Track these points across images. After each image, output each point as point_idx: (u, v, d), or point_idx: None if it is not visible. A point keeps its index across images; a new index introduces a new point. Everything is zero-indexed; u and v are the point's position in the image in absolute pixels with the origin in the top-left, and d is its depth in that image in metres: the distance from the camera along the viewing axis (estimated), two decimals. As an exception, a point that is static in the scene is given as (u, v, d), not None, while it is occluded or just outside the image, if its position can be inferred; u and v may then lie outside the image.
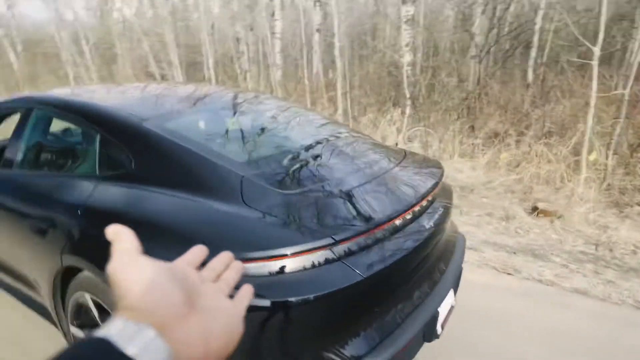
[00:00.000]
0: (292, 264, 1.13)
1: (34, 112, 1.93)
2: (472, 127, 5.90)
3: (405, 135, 5.68)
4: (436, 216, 1.57)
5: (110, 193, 1.48)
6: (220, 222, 1.28)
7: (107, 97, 2.03)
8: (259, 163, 1.58)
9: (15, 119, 2.02)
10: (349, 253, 1.19)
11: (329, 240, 1.15)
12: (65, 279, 1.51)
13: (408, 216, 1.41)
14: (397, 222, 1.35)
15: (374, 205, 1.39)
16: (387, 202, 1.44)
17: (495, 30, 6.43)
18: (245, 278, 0.46)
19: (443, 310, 1.50)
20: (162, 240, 1.27)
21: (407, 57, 7.08)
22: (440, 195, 1.77)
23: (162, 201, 1.39)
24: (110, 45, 12.07)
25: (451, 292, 1.60)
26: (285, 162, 1.61)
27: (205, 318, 0.35)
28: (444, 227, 1.65)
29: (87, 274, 1.41)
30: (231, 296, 0.41)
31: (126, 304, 0.32)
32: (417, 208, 1.47)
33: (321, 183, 1.48)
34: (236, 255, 1.14)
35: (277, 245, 1.15)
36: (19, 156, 1.92)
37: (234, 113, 2.06)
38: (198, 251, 0.43)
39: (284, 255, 1.13)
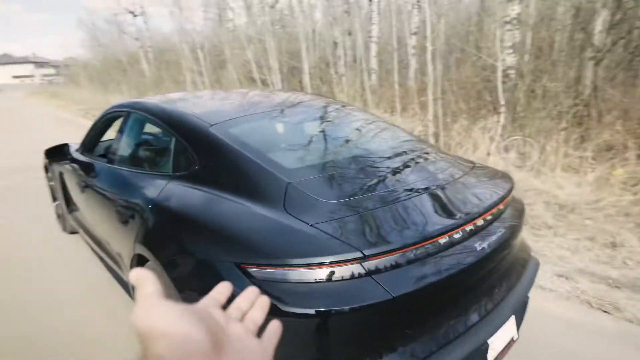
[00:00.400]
0: (314, 275, 1.14)
1: (131, 116, 2.23)
2: (582, 138, 5.21)
3: (499, 145, 5.24)
4: (496, 236, 1.44)
5: (177, 191, 1.64)
6: (256, 226, 1.34)
7: (192, 103, 2.26)
8: (312, 170, 1.61)
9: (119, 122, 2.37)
10: (381, 269, 1.15)
11: (356, 254, 1.13)
12: (139, 263, 1.71)
13: (457, 235, 1.31)
14: (442, 240, 1.27)
15: (419, 220, 1.33)
16: (436, 218, 1.36)
17: (620, 26, 5.58)
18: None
19: (497, 342, 1.36)
20: (203, 239, 1.37)
21: (509, 60, 6.54)
22: (506, 213, 1.61)
23: (212, 202, 1.50)
24: (220, 52, 13.25)
25: (511, 322, 1.45)
26: (339, 170, 1.62)
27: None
28: (505, 249, 1.50)
29: (151, 264, 1.58)
30: (259, 334, 0.41)
31: (151, 352, 0.31)
32: (469, 226, 1.36)
33: (369, 194, 1.45)
34: (254, 260, 1.16)
35: (300, 254, 1.16)
36: (117, 153, 2.24)
37: (305, 120, 2.12)
38: (223, 289, 0.42)
39: (305, 265, 1.14)
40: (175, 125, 1.84)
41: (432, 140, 6.29)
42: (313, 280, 1.14)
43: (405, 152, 1.91)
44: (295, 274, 1.15)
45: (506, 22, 6.31)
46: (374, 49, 9.85)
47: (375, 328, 1.17)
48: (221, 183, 1.55)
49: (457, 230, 1.32)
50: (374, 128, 2.22)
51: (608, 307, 2.27)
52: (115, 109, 2.48)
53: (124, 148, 2.28)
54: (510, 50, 6.50)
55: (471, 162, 2.05)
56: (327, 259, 1.14)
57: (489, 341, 1.33)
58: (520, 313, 1.56)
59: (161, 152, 2.10)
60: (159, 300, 0.34)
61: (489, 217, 1.48)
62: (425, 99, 6.52)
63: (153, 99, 2.27)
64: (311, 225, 1.26)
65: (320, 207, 1.34)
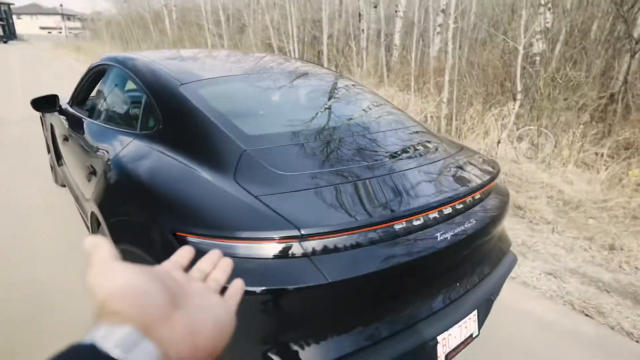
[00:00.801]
0: (245, 250, 1.08)
1: (113, 70, 2.15)
2: (603, 134, 4.94)
3: (512, 133, 5.02)
4: (465, 227, 1.34)
5: (136, 150, 1.58)
6: (198, 192, 1.26)
7: (177, 61, 2.16)
8: (275, 139, 1.52)
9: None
10: (321, 251, 1.08)
11: (293, 232, 1.05)
12: (98, 224, 1.67)
13: (416, 222, 1.22)
14: (397, 226, 1.18)
15: (376, 202, 1.23)
16: (396, 201, 1.27)
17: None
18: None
19: (452, 338, 1.29)
20: (146, 202, 1.30)
21: (537, 46, 6.18)
22: (485, 203, 1.51)
23: (162, 164, 1.43)
24: (241, 16, 12.96)
25: (472, 318, 1.37)
26: (307, 142, 1.52)
27: (191, 316, 0.35)
28: (474, 241, 1.41)
29: (102, 227, 1.53)
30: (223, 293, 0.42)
31: (107, 310, 0.32)
32: (433, 213, 1.26)
33: (330, 169, 1.36)
34: (188, 228, 1.07)
35: (230, 226, 1.09)
36: (95, 107, 2.18)
37: (286, 88, 2.01)
38: (185, 253, 0.44)
39: (234, 238, 1.07)
40: (148, 82, 1.77)
41: (443, 124, 6.10)
42: (243, 256, 1.07)
43: (387, 129, 1.79)
44: (225, 246, 1.08)
45: (541, 5, 5.94)
46: (398, 24, 9.48)
47: (310, 312, 1.11)
48: (179, 145, 1.48)
49: (417, 216, 1.23)
50: (361, 101, 2.10)
51: (591, 311, 2.17)
52: (101, 63, 2.41)
53: (101, 102, 2.22)
54: (539, 36, 6.15)
55: (459, 145, 1.93)
56: (259, 234, 1.06)
57: (441, 337, 1.26)
58: (484, 309, 1.48)
59: (133, 109, 2.04)
60: (113, 261, 0.35)
61: (459, 206, 1.38)
62: (442, 80, 6.27)
63: (137, 54, 2.18)
64: (255, 196, 1.17)
65: (272, 178, 1.26)
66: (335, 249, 1.10)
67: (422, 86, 6.76)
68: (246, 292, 1.01)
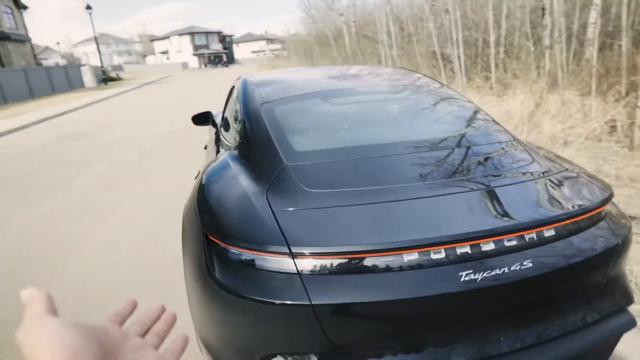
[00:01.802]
0: (243, 257, 1.15)
1: (234, 90, 2.53)
2: None
3: None
4: (523, 268, 1.11)
5: (222, 161, 1.77)
6: (230, 201, 1.39)
7: (280, 79, 2.38)
8: (322, 155, 1.53)
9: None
10: (314, 271, 1.07)
11: (283, 249, 1.08)
12: None
13: (436, 254, 1.08)
14: (409, 256, 1.08)
15: (397, 227, 1.14)
16: (423, 228, 1.14)
17: None
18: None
19: None
20: (202, 203, 1.49)
21: None
22: (574, 241, 1.22)
23: (226, 173, 1.60)
24: (408, 25, 12.97)
25: None
26: (355, 159, 1.50)
27: None
28: (540, 288, 1.16)
29: None
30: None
31: None
32: (462, 246, 1.09)
33: (361, 187, 1.31)
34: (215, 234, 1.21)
35: (239, 237, 1.17)
36: (222, 123, 2.59)
37: (366, 102, 2.00)
38: (126, 307, 0.44)
39: (236, 246, 1.16)
40: (243, 101, 2.02)
41: (637, 134, 4.83)
42: (246, 263, 1.16)
43: (463, 144, 1.61)
44: (232, 252, 1.19)
45: None
46: (593, 15, 7.91)
47: (291, 331, 1.11)
48: (243, 157, 1.66)
49: (437, 247, 1.09)
50: (447, 114, 1.91)
51: None
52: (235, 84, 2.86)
53: (224, 118, 2.63)
54: None
55: (565, 163, 1.57)
56: (254, 245, 1.13)
57: None
58: None
59: (235, 125, 2.33)
60: (46, 318, 0.34)
61: (513, 241, 1.14)
62: (637, 79, 4.98)
63: (255, 75, 2.51)
64: (272, 210, 1.24)
65: (297, 194, 1.30)
66: (334, 272, 1.08)
67: (608, 89, 5.50)
68: (237, 295, 1.11)
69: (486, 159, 1.52)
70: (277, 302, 1.07)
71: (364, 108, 2.05)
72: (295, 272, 1.09)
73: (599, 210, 1.28)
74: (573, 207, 1.24)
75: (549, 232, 1.17)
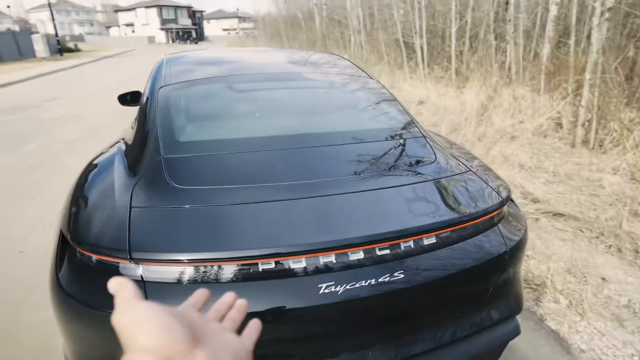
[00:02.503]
0: (87, 260, 1.02)
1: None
2: None
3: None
4: (401, 277, 1.04)
5: (111, 152, 1.64)
6: (92, 195, 1.25)
7: (190, 61, 2.20)
8: (205, 147, 1.41)
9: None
10: (155, 279, 0.97)
11: (123, 253, 0.96)
12: None
13: (297, 263, 0.99)
14: (267, 265, 0.98)
15: (257, 233, 1.04)
16: (288, 232, 1.05)
17: None
18: None
19: None
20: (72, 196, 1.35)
21: None
22: (463, 247, 1.16)
23: (106, 161, 1.46)
24: (375, 12, 12.83)
25: None
26: (240, 151, 1.39)
27: (212, 352, 0.37)
28: (410, 300, 1.09)
29: None
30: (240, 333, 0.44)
31: (133, 347, 0.34)
32: (329, 256, 1.00)
33: (238, 185, 1.20)
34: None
35: (85, 238, 1.05)
36: None
37: (272, 89, 1.88)
38: (200, 295, 0.46)
39: (82, 248, 1.03)
40: (149, 83, 1.86)
41: (580, 133, 4.97)
42: (90, 266, 1.03)
43: (363, 139, 1.52)
44: (79, 254, 1.06)
45: None
46: (554, 10, 8.04)
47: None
48: (129, 148, 1.51)
49: (295, 257, 1.00)
50: (356, 107, 1.82)
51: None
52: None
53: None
54: None
55: (472, 163, 1.52)
56: (98, 248, 1.01)
57: None
58: None
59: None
60: (137, 301, 0.37)
61: (386, 250, 1.07)
62: (582, 79, 5.10)
63: (177, 54, 2.32)
64: (130, 207, 1.11)
65: (164, 190, 1.18)
66: (181, 280, 0.97)
67: (555, 87, 5.62)
68: (77, 301, 0.99)
69: (380, 157, 1.44)
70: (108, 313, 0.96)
71: (268, 97, 1.92)
72: (139, 279, 0.97)
73: (489, 216, 1.23)
74: (462, 212, 1.18)
75: (429, 240, 1.10)
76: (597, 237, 2.96)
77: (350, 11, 15.27)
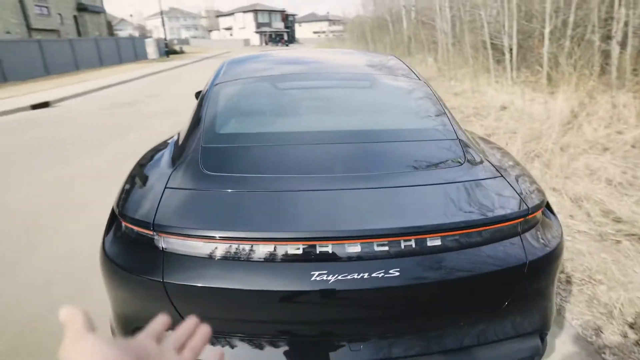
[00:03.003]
0: (123, 230, 1.17)
1: None
2: None
3: None
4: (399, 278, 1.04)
5: (170, 141, 1.85)
6: (142, 176, 1.42)
7: (255, 60, 2.35)
8: (243, 139, 1.51)
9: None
10: (173, 250, 1.11)
11: (147, 224, 1.10)
12: None
13: (296, 249, 1.04)
14: (282, 248, 1.05)
15: (278, 217, 1.12)
16: (305, 221, 1.11)
17: None
18: None
19: None
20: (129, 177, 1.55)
21: None
22: (485, 249, 1.12)
23: (161, 151, 1.65)
24: (465, 12, 12.24)
25: None
26: (276, 144, 1.47)
27: None
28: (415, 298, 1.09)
29: None
30: None
31: None
32: (326, 246, 1.04)
33: (263, 174, 1.29)
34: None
35: (129, 211, 1.21)
36: None
37: (319, 88, 1.93)
38: (159, 324, 0.44)
39: (121, 218, 1.19)
40: (211, 80, 2.04)
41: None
42: (127, 235, 1.20)
43: (395, 139, 1.51)
44: (119, 226, 1.24)
45: None
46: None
47: (152, 304, 1.14)
48: (180, 138, 1.69)
49: (294, 243, 1.04)
50: (396, 107, 1.80)
51: None
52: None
53: None
54: None
55: (506, 169, 1.43)
56: (128, 219, 1.16)
57: None
58: None
59: None
60: (87, 334, 0.35)
61: (384, 246, 1.07)
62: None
63: (242, 55, 2.50)
64: (165, 188, 1.26)
65: (196, 175, 1.31)
66: (195, 254, 1.08)
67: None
68: (112, 264, 1.15)
69: (405, 157, 1.42)
70: (134, 275, 1.10)
71: (311, 95, 1.99)
72: (159, 248, 1.11)
73: (507, 223, 1.15)
74: (475, 217, 1.12)
75: (433, 242, 1.08)
76: (693, 269, 2.54)
77: (438, 12, 14.75)
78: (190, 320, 0.46)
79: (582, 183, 3.78)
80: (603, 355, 1.90)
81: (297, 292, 1.02)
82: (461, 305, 1.15)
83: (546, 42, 7.53)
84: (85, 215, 3.44)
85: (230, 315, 1.12)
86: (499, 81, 8.87)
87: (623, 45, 6.38)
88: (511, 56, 8.60)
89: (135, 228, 1.16)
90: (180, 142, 1.64)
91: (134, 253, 1.16)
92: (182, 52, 35.29)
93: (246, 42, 62.10)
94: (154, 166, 1.53)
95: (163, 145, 1.79)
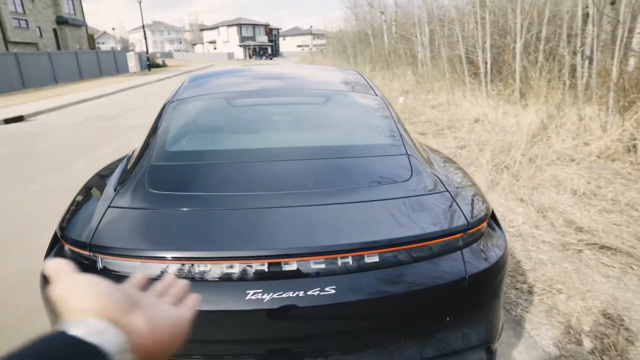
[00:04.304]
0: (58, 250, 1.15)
1: None
2: None
3: None
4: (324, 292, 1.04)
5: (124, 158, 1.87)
6: (86, 193, 1.41)
7: (215, 77, 2.36)
8: (191, 156, 1.52)
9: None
10: (112, 270, 1.10)
11: (83, 244, 1.09)
12: None
13: (231, 268, 1.04)
14: (216, 267, 1.04)
15: (212, 236, 1.12)
16: (229, 239, 1.10)
17: None
18: None
19: None
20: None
21: None
22: (427, 264, 1.13)
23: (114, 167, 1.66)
24: (438, 28, 12.56)
25: None
26: (219, 159, 1.47)
27: (149, 313, 0.39)
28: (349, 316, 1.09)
29: None
30: None
31: (74, 310, 0.35)
32: (262, 264, 1.04)
33: (208, 192, 1.29)
34: None
35: (68, 232, 1.19)
36: None
37: (267, 105, 1.96)
38: (139, 278, 0.48)
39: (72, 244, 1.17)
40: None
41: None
42: (65, 256, 1.18)
43: (342, 155, 1.53)
44: (62, 247, 1.22)
45: None
46: (640, 23, 7.25)
47: None
48: (135, 153, 1.69)
49: (230, 262, 1.04)
50: (348, 123, 1.84)
51: None
52: None
53: None
54: None
55: (453, 183, 1.46)
56: (66, 239, 1.15)
57: None
58: None
59: None
60: (77, 274, 0.39)
61: (321, 264, 1.07)
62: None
63: (204, 71, 2.51)
64: (109, 206, 1.25)
65: (140, 194, 1.30)
66: (129, 273, 1.07)
67: (630, 106, 5.07)
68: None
69: (354, 173, 1.44)
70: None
71: (268, 112, 2.00)
72: (96, 269, 1.09)
73: (444, 239, 1.17)
74: (413, 233, 1.14)
75: (370, 258, 1.09)
76: (650, 277, 2.61)
77: (418, 28, 15.09)
78: (169, 276, 0.50)
79: (549, 193, 3.87)
80: (559, 364, 1.93)
81: (232, 311, 1.01)
82: (400, 321, 1.15)
83: (518, 56, 7.76)
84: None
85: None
86: (474, 94, 9.08)
87: (590, 59, 6.63)
88: (486, 70, 8.84)
89: (74, 249, 1.14)
90: (131, 160, 1.63)
91: None
92: (164, 65, 35.16)
93: (230, 55, 62.26)
94: (101, 186, 1.51)
95: (115, 164, 1.78)
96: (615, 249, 2.90)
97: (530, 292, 2.47)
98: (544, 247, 3.00)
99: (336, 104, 2.02)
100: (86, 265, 1.11)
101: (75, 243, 1.13)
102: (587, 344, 2.05)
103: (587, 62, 6.64)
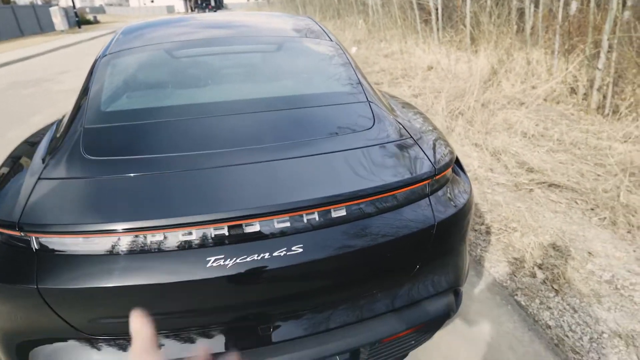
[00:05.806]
0: None
1: None
2: None
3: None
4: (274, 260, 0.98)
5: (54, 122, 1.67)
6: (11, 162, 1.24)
7: (151, 28, 2.11)
8: (128, 116, 1.36)
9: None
10: (45, 250, 0.97)
11: (11, 222, 0.95)
12: None
13: (186, 234, 0.95)
14: (165, 235, 0.95)
15: (157, 202, 1.01)
16: (182, 204, 1.00)
17: None
18: None
19: None
20: None
21: None
22: (396, 213, 1.09)
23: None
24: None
25: None
26: (163, 118, 1.33)
27: None
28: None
29: None
30: None
31: None
32: (221, 228, 0.96)
33: (152, 155, 1.15)
34: None
35: None
36: None
37: (213, 55, 1.80)
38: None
39: None
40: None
41: (595, 98, 4.64)
42: None
43: (298, 105, 1.43)
44: None
45: None
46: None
47: (32, 315, 1.00)
48: (65, 117, 1.50)
49: (184, 228, 0.95)
50: (302, 71, 1.73)
51: None
52: None
53: None
54: None
55: (415, 129, 1.42)
56: None
57: None
58: None
59: None
60: (151, 354, 0.38)
61: (285, 222, 1.01)
62: (600, 39, 4.71)
63: (140, 22, 2.24)
64: (39, 178, 1.09)
65: (76, 161, 1.15)
66: (74, 252, 0.95)
67: (572, 49, 5.23)
68: None
69: (312, 123, 1.36)
70: (5, 284, 0.95)
71: (211, 63, 1.83)
72: (31, 249, 0.96)
73: (411, 187, 1.13)
74: (379, 183, 1.09)
75: (337, 212, 1.03)
76: (592, 210, 2.80)
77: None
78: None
79: (501, 137, 4.00)
80: (515, 297, 2.05)
81: (194, 281, 0.93)
82: (372, 274, 1.14)
83: (468, 1, 7.72)
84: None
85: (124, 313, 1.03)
86: (426, 42, 9.04)
87: (536, 3, 6.72)
88: (437, 16, 8.76)
89: (1, 230, 0.99)
90: (62, 126, 1.44)
91: (1, 259, 0.99)
92: (96, 22, 32.03)
93: (170, 8, 57.69)
94: (30, 154, 1.32)
95: (43, 130, 1.57)
96: (562, 186, 3.07)
97: (488, 233, 2.58)
98: (499, 189, 3.13)
99: (290, 52, 1.88)
100: (18, 248, 0.98)
101: (1, 224, 0.98)
102: (540, 275, 2.19)
103: (533, 5, 6.72)
